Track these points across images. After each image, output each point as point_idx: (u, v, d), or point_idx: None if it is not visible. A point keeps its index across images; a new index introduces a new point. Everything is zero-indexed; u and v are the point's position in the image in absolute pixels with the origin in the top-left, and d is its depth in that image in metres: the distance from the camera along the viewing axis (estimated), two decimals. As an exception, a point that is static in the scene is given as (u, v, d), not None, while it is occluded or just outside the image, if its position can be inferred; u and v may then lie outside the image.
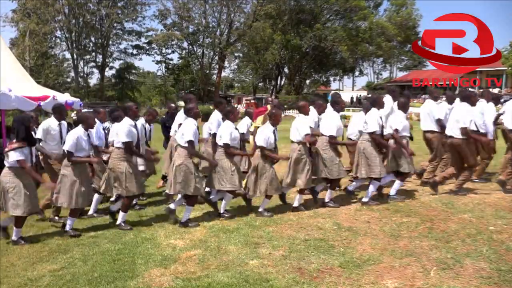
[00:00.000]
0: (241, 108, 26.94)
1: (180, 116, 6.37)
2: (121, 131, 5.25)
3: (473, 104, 6.33)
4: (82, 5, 34.64)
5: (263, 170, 5.55)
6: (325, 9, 39.40)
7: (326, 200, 6.07)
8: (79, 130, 5.15)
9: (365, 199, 6.07)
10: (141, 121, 6.31)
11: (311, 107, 6.29)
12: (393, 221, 5.25)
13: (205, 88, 39.03)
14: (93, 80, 44.31)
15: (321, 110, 6.34)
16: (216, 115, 6.35)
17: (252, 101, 38.50)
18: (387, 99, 6.92)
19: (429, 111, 7.07)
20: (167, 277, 3.86)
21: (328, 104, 6.54)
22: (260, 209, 5.70)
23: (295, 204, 5.90)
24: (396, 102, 6.56)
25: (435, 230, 4.88)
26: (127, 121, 5.33)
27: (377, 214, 5.57)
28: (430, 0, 78.21)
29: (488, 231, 4.75)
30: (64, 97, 10.40)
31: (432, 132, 7.01)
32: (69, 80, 42.61)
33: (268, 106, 7.51)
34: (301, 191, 5.91)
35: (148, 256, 4.34)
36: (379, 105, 6.15)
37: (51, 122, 5.93)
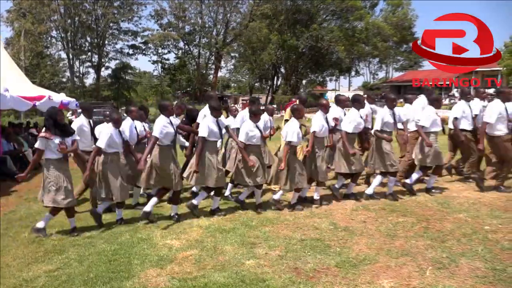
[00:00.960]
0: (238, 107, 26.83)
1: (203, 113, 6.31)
2: (157, 126, 5.39)
3: (504, 100, 6.47)
4: (77, 5, 34.44)
5: (293, 164, 5.72)
6: (322, 9, 39.42)
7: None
8: (110, 127, 5.33)
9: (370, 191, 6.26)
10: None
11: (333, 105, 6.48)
12: (389, 221, 5.27)
13: (202, 88, 38.92)
14: (89, 80, 44.26)
15: (343, 105, 6.54)
16: (241, 113, 6.62)
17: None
18: (422, 99, 7.04)
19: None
20: (163, 277, 3.85)
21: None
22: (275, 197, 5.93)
23: (293, 201, 5.95)
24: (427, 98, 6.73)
25: (431, 229, 4.90)
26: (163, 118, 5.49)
27: (373, 214, 5.59)
28: (426, 0, 78.58)
29: (483, 231, 4.78)
30: (59, 97, 10.38)
31: (462, 130, 6.99)
32: (64, 80, 42.46)
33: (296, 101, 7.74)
34: (297, 189, 5.91)
35: (144, 257, 4.34)
36: (390, 104, 6.30)
37: (83, 120, 5.92)
